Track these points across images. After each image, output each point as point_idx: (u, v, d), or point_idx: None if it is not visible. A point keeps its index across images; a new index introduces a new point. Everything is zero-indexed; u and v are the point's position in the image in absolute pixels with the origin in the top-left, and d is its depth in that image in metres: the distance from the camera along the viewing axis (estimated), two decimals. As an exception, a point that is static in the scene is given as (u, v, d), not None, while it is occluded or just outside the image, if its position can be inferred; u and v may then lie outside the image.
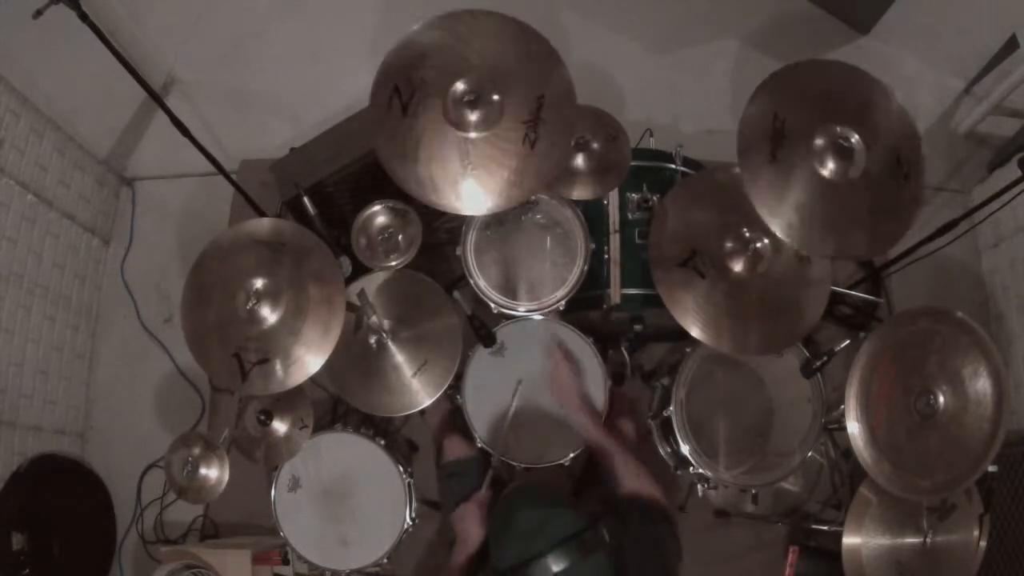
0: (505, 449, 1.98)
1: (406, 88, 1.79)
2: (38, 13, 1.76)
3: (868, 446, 1.86)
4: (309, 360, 1.77)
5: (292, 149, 2.44)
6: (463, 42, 1.83)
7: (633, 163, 2.08)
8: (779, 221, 1.72)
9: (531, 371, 2.03)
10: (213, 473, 2.01)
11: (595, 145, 2.06)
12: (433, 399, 2.00)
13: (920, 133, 1.83)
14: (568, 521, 1.31)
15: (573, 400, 1.88)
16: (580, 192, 2.03)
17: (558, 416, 2.00)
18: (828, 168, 1.76)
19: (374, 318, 1.94)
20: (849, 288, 2.48)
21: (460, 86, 1.79)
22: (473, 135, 1.77)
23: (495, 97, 1.78)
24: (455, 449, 2.07)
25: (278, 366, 1.76)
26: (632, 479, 1.68)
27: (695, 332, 1.87)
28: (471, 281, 2.04)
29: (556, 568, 1.24)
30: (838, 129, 1.78)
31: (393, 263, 2.04)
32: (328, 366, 1.79)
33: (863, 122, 1.80)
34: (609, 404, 2.02)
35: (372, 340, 2.01)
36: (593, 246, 2.04)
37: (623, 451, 1.74)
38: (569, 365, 1.95)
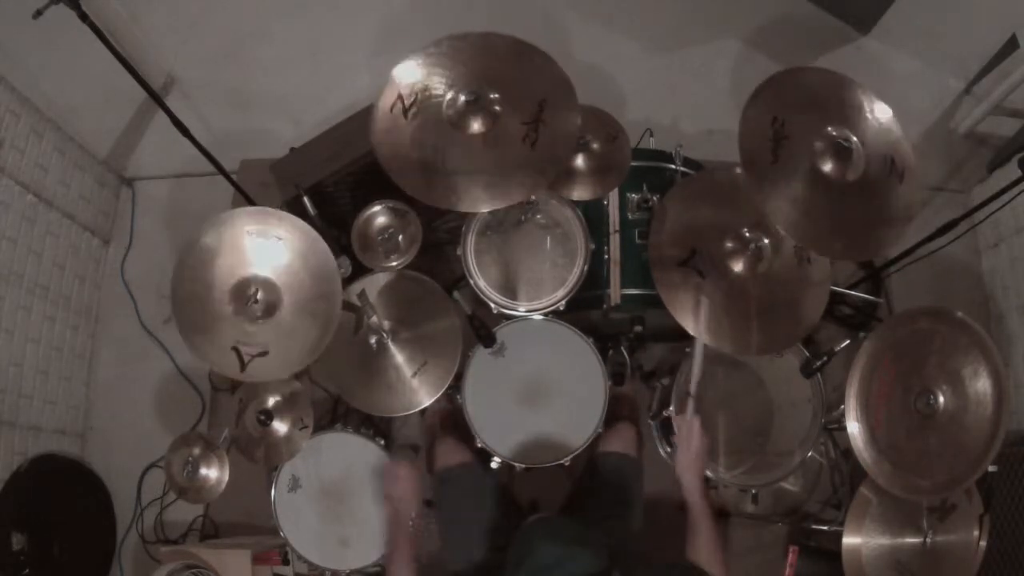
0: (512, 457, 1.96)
1: (409, 95, 1.80)
2: (38, 13, 1.76)
3: (868, 446, 1.86)
4: (304, 354, 1.76)
5: (292, 149, 2.44)
6: (465, 57, 1.85)
7: (633, 163, 2.08)
8: (785, 221, 1.72)
9: (533, 372, 2.03)
10: (213, 473, 2.02)
11: (595, 145, 2.06)
12: (433, 399, 2.00)
13: (918, 133, 1.84)
14: (586, 562, 1.30)
15: (699, 470, 1.77)
16: (580, 192, 2.03)
17: (559, 416, 2.00)
18: (829, 169, 1.76)
19: (374, 318, 1.94)
20: (849, 288, 2.48)
21: (461, 92, 1.80)
22: (473, 135, 1.77)
23: (496, 103, 1.79)
24: (447, 455, 2.03)
25: (275, 359, 1.76)
26: (707, 555, 1.60)
27: (695, 332, 1.87)
28: (471, 281, 2.04)
29: None
30: (836, 130, 1.78)
31: (393, 263, 2.04)
32: (328, 366, 1.79)
33: (854, 126, 1.81)
34: (609, 405, 2.02)
35: (372, 340, 2.01)
36: (593, 246, 2.04)
37: (715, 529, 1.69)
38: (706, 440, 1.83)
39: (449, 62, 1.85)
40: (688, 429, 1.75)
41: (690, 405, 1.78)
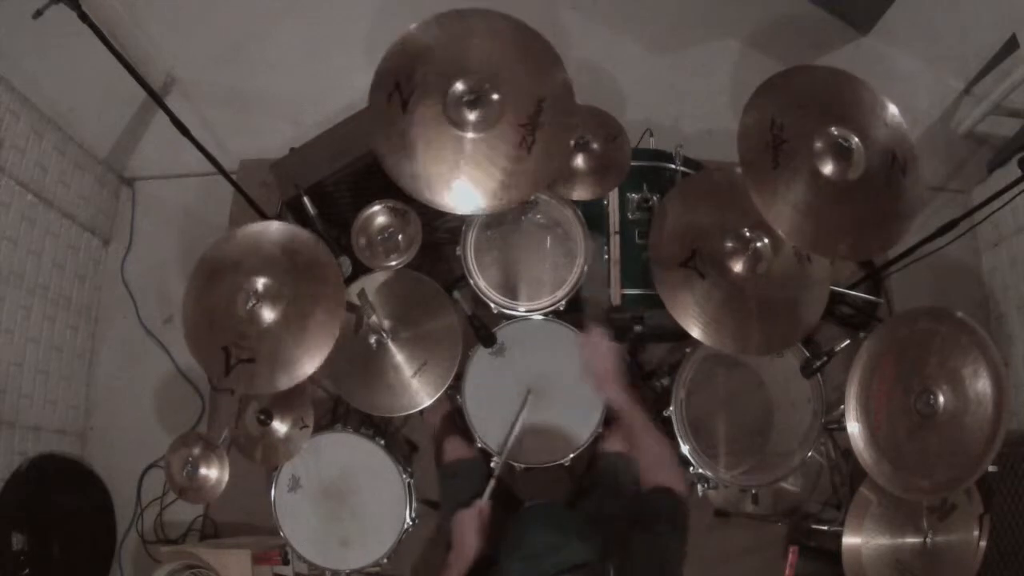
0: (508, 456, 1.97)
1: (407, 85, 1.79)
2: (38, 13, 1.76)
3: (868, 446, 1.86)
4: (302, 365, 1.75)
5: (292, 149, 2.44)
6: (464, 41, 1.83)
7: (633, 163, 2.08)
8: (788, 226, 1.72)
9: (532, 372, 2.03)
10: (213, 473, 2.02)
11: (595, 145, 2.06)
12: (433, 399, 2.00)
13: (918, 133, 1.84)
14: (578, 552, 1.31)
15: (611, 374, 1.79)
16: (580, 192, 2.03)
17: (560, 416, 2.00)
18: (829, 170, 1.76)
19: (374, 318, 1.94)
20: (849, 288, 2.48)
21: (460, 85, 1.79)
22: (471, 135, 1.77)
23: (494, 98, 1.78)
24: (455, 450, 2.07)
25: (264, 367, 1.75)
26: (658, 468, 1.64)
27: (695, 332, 1.87)
28: (471, 281, 2.04)
29: None
30: (836, 131, 1.78)
31: (393, 263, 2.04)
32: (328, 366, 1.79)
33: (857, 124, 1.81)
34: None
35: (372, 340, 2.01)
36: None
37: (655, 437, 1.68)
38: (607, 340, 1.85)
39: (449, 45, 1.82)
40: (594, 345, 1.79)
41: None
